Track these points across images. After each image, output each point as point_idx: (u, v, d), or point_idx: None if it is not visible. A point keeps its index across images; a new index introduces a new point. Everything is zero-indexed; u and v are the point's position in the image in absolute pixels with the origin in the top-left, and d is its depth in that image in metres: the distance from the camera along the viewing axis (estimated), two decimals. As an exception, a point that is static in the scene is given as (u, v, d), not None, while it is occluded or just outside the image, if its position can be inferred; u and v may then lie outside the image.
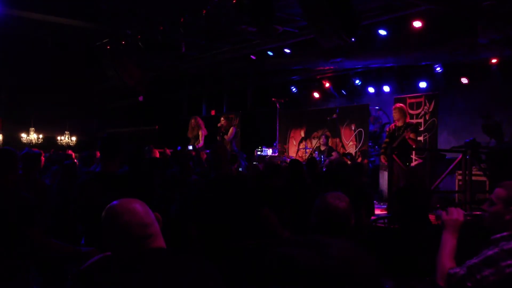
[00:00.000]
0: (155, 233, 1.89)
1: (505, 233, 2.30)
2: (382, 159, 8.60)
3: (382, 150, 8.58)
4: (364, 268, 0.98)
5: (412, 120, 8.98)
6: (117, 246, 1.86)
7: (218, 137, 10.68)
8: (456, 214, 2.49)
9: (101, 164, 3.52)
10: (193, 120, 11.00)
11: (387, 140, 8.51)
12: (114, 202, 1.93)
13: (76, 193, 3.46)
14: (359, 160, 10.37)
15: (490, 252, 2.24)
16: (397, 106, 8.66)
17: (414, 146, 8.34)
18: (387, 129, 8.78)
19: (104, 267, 1.76)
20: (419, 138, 9.76)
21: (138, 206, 1.90)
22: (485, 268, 2.20)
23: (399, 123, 8.33)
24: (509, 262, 2.18)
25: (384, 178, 9.06)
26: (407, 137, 8.08)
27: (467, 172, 7.24)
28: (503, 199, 2.37)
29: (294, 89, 13.69)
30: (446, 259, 2.38)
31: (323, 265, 0.93)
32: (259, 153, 11.91)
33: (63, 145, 18.40)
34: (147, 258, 1.81)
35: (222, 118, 10.84)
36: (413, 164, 9.63)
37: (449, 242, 2.44)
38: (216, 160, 3.94)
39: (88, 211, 3.37)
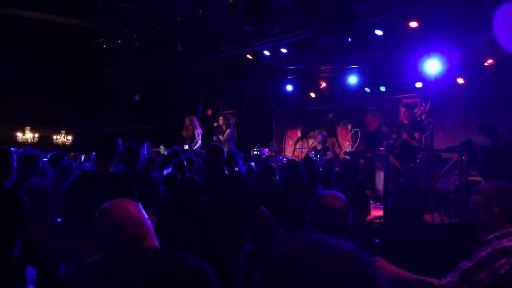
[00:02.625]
0: (148, 232, 1.90)
1: (497, 233, 2.31)
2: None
3: (387, 145, 8.45)
4: (363, 268, 0.98)
5: (418, 119, 8.79)
6: (110, 246, 1.86)
7: (214, 137, 10.66)
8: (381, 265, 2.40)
9: (95, 163, 3.51)
10: (187, 120, 11.00)
11: (394, 136, 8.42)
12: (107, 203, 1.93)
13: (68, 192, 3.45)
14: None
15: (483, 254, 2.26)
16: (405, 104, 8.55)
17: (417, 146, 8.21)
18: (394, 126, 8.57)
19: (101, 267, 1.75)
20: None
21: (131, 206, 1.91)
22: (480, 271, 2.21)
23: (407, 121, 8.24)
24: (502, 261, 2.20)
25: (380, 178, 9.08)
26: (409, 138, 7.97)
27: (462, 172, 7.27)
28: (482, 204, 2.39)
29: (290, 89, 13.70)
30: (426, 280, 2.37)
31: (323, 264, 0.93)
32: (255, 152, 11.92)
33: (58, 144, 18.36)
34: (140, 258, 1.81)
35: (220, 118, 10.83)
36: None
37: (407, 277, 2.39)
38: (212, 160, 3.94)
39: (80, 210, 3.36)
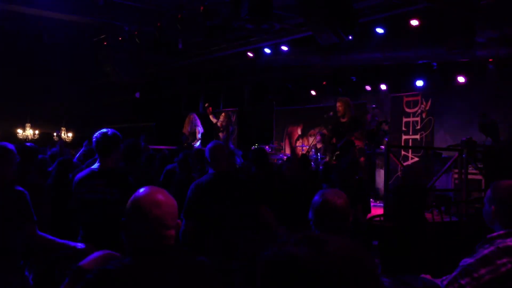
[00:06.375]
0: (173, 232, 1.86)
1: (501, 232, 2.32)
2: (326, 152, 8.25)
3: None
4: (362, 265, 0.98)
5: (357, 115, 8.34)
6: (137, 239, 1.81)
7: (215, 123, 10.52)
8: None
9: (98, 160, 3.50)
10: (191, 116, 11.00)
11: (328, 133, 8.11)
12: (139, 193, 1.84)
13: (74, 189, 3.45)
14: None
15: (486, 251, 2.26)
16: (343, 99, 8.21)
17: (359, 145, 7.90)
18: (330, 124, 8.11)
19: (106, 264, 1.74)
20: (415, 137, 9.77)
21: (163, 198, 1.84)
22: (481, 267, 2.22)
23: (344, 119, 7.98)
24: (504, 260, 2.20)
25: (380, 176, 9.08)
26: (353, 137, 7.76)
27: (463, 170, 7.27)
28: (487, 198, 2.44)
29: (291, 86, 13.69)
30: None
31: (321, 262, 0.93)
32: (255, 150, 11.87)
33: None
34: (169, 257, 1.79)
35: (222, 114, 10.81)
36: (409, 162, 9.66)
37: None
38: (214, 158, 3.93)
39: (85, 208, 3.37)
